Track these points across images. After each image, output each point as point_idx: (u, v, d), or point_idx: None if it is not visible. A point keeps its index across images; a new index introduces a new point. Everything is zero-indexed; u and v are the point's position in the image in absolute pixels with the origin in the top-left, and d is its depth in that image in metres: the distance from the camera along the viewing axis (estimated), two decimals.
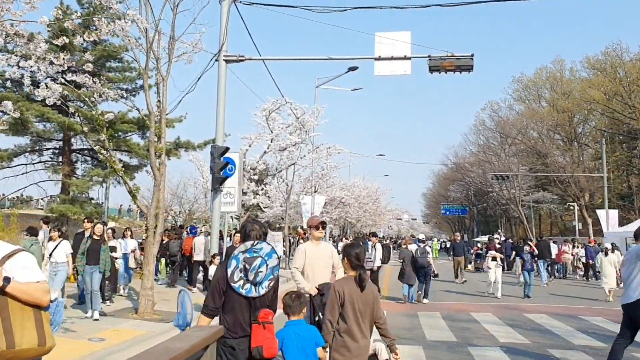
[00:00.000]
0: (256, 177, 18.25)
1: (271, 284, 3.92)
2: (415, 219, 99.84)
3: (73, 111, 13.87)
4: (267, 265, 3.88)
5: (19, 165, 18.79)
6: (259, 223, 4.19)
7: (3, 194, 24.70)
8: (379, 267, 16.21)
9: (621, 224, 31.13)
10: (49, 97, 10.05)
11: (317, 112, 21.64)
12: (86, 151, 20.31)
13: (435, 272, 16.47)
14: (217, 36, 14.09)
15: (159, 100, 12.16)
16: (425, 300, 14.77)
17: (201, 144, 21.00)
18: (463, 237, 68.25)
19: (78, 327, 8.99)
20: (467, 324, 11.13)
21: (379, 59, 14.13)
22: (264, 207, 37.29)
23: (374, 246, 16.23)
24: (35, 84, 15.20)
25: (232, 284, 3.81)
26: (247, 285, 3.83)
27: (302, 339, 4.15)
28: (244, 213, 18.98)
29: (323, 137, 22.13)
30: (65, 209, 17.18)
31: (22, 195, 20.72)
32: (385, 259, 17.16)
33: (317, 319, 5.34)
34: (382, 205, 52.17)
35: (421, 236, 20.74)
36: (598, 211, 35.51)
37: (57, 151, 19.92)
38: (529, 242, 20.34)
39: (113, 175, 17.29)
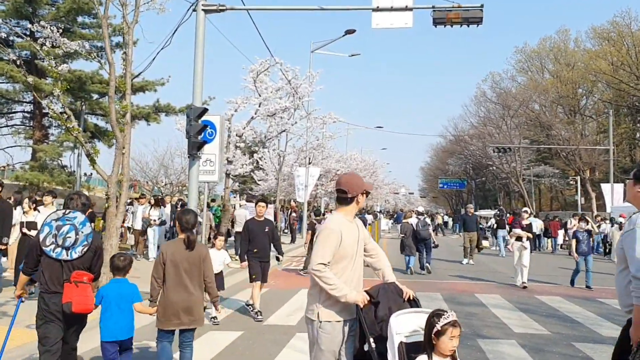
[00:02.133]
0: (243, 145, 16.76)
1: (85, 249, 4.44)
2: (413, 193, 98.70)
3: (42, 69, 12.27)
4: (78, 232, 4.40)
5: None
6: (80, 194, 4.70)
7: None
8: None
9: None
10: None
11: (311, 78, 20.05)
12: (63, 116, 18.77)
13: (436, 243, 16.55)
14: None
15: (124, 52, 10.63)
16: (427, 266, 15.21)
17: (183, 108, 19.46)
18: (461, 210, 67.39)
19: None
20: (473, 308, 9.83)
21: (377, 9, 12.59)
22: (259, 180, 36.00)
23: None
24: (2, 41, 13.54)
25: (44, 248, 4.34)
26: (58, 249, 4.36)
27: (121, 295, 4.64)
28: (231, 183, 17.55)
29: (318, 105, 20.52)
30: (33, 176, 15.74)
31: None
32: None
33: (366, 346, 3.48)
34: (379, 179, 50.79)
35: (421, 209, 20.63)
36: (602, 185, 34.29)
37: (27, 115, 18.39)
38: (586, 217, 17.25)
39: (86, 140, 15.76)
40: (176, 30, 13.27)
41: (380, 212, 59.72)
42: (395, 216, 50.08)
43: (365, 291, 3.52)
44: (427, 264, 15.24)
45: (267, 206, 9.21)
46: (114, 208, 9.79)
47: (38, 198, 9.62)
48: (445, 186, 70.21)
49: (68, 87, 16.70)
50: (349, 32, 26.17)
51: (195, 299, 4.84)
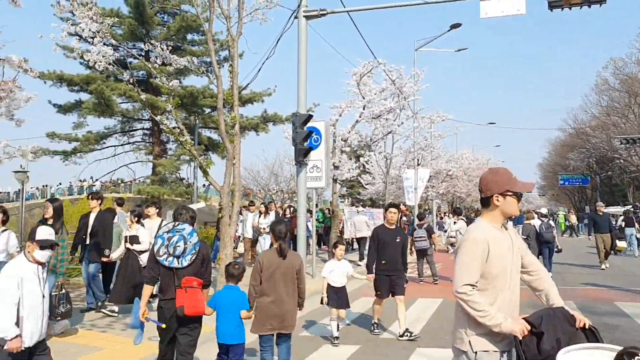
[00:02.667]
0: (348, 149, 16.56)
1: (193, 257, 4.74)
2: (530, 192, 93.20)
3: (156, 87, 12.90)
4: (187, 241, 4.73)
5: (108, 147, 18.66)
6: (187, 208, 5.04)
7: (91, 177, 25.12)
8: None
9: None
10: (98, 63, 8.80)
11: (416, 77, 19.46)
12: (176, 129, 19.86)
13: (559, 247, 15.62)
14: None
15: (230, 65, 10.81)
16: (549, 274, 13.44)
17: (289, 117, 19.66)
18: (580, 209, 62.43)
19: None
20: (614, 318, 8.76)
21: None
22: (366, 184, 35.76)
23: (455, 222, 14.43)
24: (120, 63, 14.40)
25: (158, 258, 4.70)
26: (170, 258, 4.69)
27: (232, 302, 4.98)
28: (338, 188, 17.41)
29: (424, 104, 19.83)
30: (154, 190, 16.68)
31: (111, 178, 20.70)
32: None
33: None
34: None
35: (544, 210, 19.36)
36: None
37: (147, 132, 19.62)
38: None
39: (200, 153, 16.47)
40: (279, 39, 13.36)
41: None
42: (513, 217, 47.26)
43: (524, 318, 2.86)
44: (550, 272, 14.23)
45: (399, 212, 8.31)
46: (227, 218, 9.93)
47: (147, 211, 9.59)
48: (566, 183, 65.48)
49: (180, 102, 17.60)
50: (455, 26, 25.10)
51: (288, 306, 5.13)
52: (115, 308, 8.51)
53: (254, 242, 14.72)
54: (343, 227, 17.96)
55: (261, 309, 5.06)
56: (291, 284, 5.14)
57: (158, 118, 9.76)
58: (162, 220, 9.35)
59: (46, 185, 40.90)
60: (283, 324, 5.07)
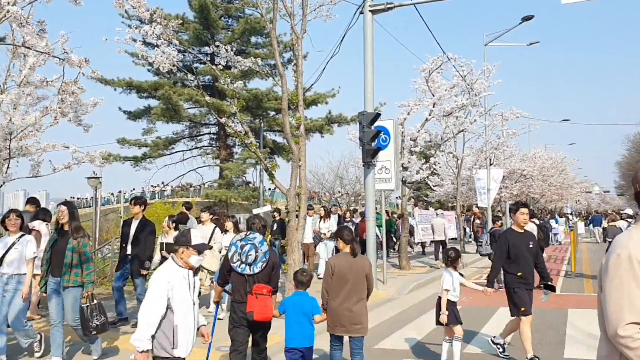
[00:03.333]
0: (417, 149, 15.85)
1: (264, 265, 5.02)
2: (608, 191, 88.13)
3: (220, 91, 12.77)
4: (258, 250, 5.04)
5: (177, 152, 18.84)
6: (259, 217, 5.41)
7: (162, 182, 25.52)
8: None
9: None
10: (163, 65, 8.63)
11: (487, 72, 18.46)
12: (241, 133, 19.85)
13: None
14: None
15: (295, 64, 10.45)
16: None
17: (354, 117, 19.18)
18: None
19: None
20: None
21: None
22: (434, 186, 34.65)
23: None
24: (187, 68, 14.38)
25: (232, 264, 5.06)
26: (243, 265, 5.03)
27: (301, 307, 5.06)
28: (408, 191, 16.72)
29: (496, 100, 18.77)
30: (221, 194, 16.65)
31: (180, 183, 20.91)
32: (541, 241, 12.43)
33: None
34: (569, 177, 45.93)
35: (629, 211, 17.78)
36: None
37: (214, 136, 19.70)
38: None
39: (265, 156, 16.28)
40: (344, 35, 12.90)
41: (571, 213, 54.12)
42: (590, 218, 44.81)
43: None
44: None
45: (529, 213, 6.94)
46: (294, 222, 9.56)
47: (201, 216, 9.17)
48: None
49: (245, 105, 17.52)
50: (526, 18, 23.79)
51: (359, 308, 5.23)
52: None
53: (315, 246, 14.03)
54: (412, 230, 17.28)
55: (333, 311, 5.20)
56: (361, 286, 5.27)
57: (223, 120, 9.51)
58: (216, 227, 8.83)
59: (120, 191, 42.36)
60: (354, 326, 5.18)
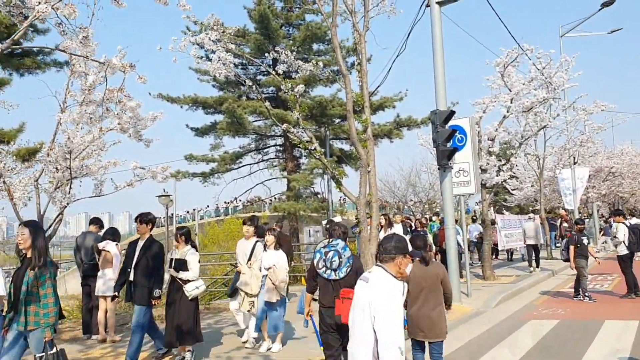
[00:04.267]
0: (496, 150, 14.70)
1: (349, 270, 5.19)
2: None
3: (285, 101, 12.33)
4: (341, 256, 5.24)
5: (244, 165, 18.59)
6: (339, 224, 5.64)
7: (235, 198, 25.26)
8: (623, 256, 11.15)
9: None
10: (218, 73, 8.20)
11: (566, 64, 16.96)
12: (308, 142, 19.39)
13: None
14: None
15: (358, 63, 9.81)
16: None
17: (425, 119, 18.22)
18: None
19: None
20: None
21: None
22: (512, 189, 32.79)
23: (617, 227, 11.32)
24: (251, 80, 14.06)
25: (318, 270, 5.30)
26: (328, 271, 5.25)
27: None
28: (487, 195, 15.54)
29: (578, 92, 17.25)
30: (289, 206, 16.15)
31: (249, 197, 20.58)
32: (633, 245, 11.23)
33: None
34: None
35: None
36: None
37: (280, 148, 19.34)
38: None
39: (332, 165, 15.62)
40: (411, 31, 12.15)
41: None
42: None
43: None
44: None
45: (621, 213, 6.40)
46: (366, 232, 8.84)
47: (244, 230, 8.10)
48: None
49: (310, 113, 17.09)
50: (606, 4, 22.03)
51: (436, 314, 5.32)
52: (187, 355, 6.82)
53: None
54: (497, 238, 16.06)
55: (412, 318, 5.35)
56: (437, 292, 5.38)
57: (284, 127, 8.97)
58: (257, 242, 7.52)
59: (195, 209, 43.06)
60: (433, 332, 5.27)
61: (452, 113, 10.83)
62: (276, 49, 10.13)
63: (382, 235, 12.24)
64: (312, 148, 8.81)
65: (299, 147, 10.95)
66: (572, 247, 10.84)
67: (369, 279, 3.39)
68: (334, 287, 5.16)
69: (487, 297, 11.08)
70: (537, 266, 16.01)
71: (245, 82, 8.65)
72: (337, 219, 15.18)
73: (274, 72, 10.14)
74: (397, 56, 12.63)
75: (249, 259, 7.40)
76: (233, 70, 8.34)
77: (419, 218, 17.45)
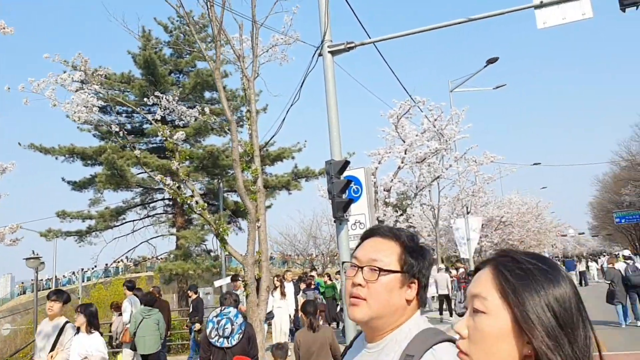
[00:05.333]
0: (392, 201, 14.53)
1: (241, 337, 5.39)
2: (583, 233, 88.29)
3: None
4: (233, 323, 5.40)
5: (128, 222, 17.05)
6: (231, 293, 5.89)
7: (126, 257, 22.69)
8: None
9: None
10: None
11: (456, 117, 17.49)
12: (201, 197, 18.21)
13: None
14: (314, 31, 11.07)
15: (247, 111, 9.18)
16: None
17: (323, 170, 17.83)
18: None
19: None
20: None
21: (542, 5, 9.96)
22: None
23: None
24: (134, 130, 12.86)
25: (210, 339, 5.40)
26: (221, 339, 5.36)
27: None
28: None
29: (469, 144, 17.80)
30: (177, 266, 14.81)
31: (128, 257, 18.78)
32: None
33: None
34: (546, 222, 45.26)
35: (626, 252, 17.70)
36: None
37: (169, 202, 18.08)
38: None
39: (225, 220, 14.63)
40: (304, 80, 11.75)
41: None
42: (564, 263, 44.10)
43: None
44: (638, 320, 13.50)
45: None
46: (254, 296, 7.95)
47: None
48: (622, 220, 61.38)
49: (199, 162, 16.13)
50: (491, 60, 23.45)
51: None
52: None
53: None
54: None
55: None
56: (327, 356, 5.51)
57: (159, 177, 8.02)
58: (67, 323, 5.62)
59: (82, 269, 39.66)
60: None
61: (347, 163, 10.40)
62: (156, 93, 9.22)
63: (271, 300, 11.16)
64: (193, 202, 7.90)
65: (170, 195, 10.01)
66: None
67: None
68: (227, 354, 5.33)
69: None
70: (451, 315, 16.14)
71: (111, 126, 7.63)
72: (227, 280, 13.93)
73: (152, 120, 9.22)
74: (292, 105, 12.15)
75: (53, 347, 5.47)
76: (98, 115, 7.32)
77: (311, 275, 16.56)
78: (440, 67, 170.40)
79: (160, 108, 9.43)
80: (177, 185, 7.95)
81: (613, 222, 64.00)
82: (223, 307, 5.54)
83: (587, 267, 39.72)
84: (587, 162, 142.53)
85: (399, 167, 14.65)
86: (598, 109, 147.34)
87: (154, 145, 17.94)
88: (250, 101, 8.90)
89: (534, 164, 40.82)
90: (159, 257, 18.05)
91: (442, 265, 18.87)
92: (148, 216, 17.91)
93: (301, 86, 11.85)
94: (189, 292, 9.23)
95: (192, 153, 15.44)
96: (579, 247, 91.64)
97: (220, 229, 8.08)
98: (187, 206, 8.52)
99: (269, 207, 19.34)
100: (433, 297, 19.44)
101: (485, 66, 23.49)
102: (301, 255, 31.49)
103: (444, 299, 16.47)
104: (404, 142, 14.76)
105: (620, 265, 14.13)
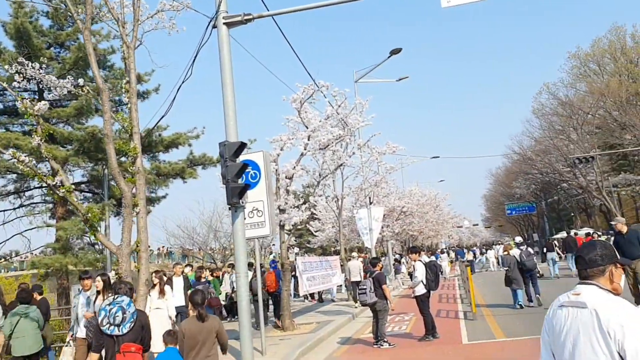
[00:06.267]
0: (294, 188, 13.90)
1: (133, 325, 5.42)
2: (477, 225, 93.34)
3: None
4: (125, 311, 5.42)
5: None
6: (125, 282, 6.07)
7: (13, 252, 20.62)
8: (421, 295, 10.47)
9: None
10: None
11: (361, 107, 17.17)
12: (84, 184, 16.49)
13: (541, 273, 16.81)
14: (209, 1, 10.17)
15: (127, 82, 8.09)
16: (538, 297, 13.85)
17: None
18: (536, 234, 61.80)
19: None
20: None
21: None
22: (315, 231, 33.01)
23: (414, 265, 11.08)
24: (7, 110, 11.33)
25: (102, 327, 5.39)
26: (112, 327, 5.37)
27: None
28: (287, 237, 14.52)
29: (368, 137, 17.48)
30: (54, 260, 13.21)
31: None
32: (431, 283, 10.62)
33: None
34: (444, 213, 46.91)
35: (518, 239, 18.54)
36: None
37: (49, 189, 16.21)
38: None
39: (111, 210, 13.25)
40: (197, 54, 10.72)
41: (445, 249, 55.69)
42: (455, 253, 46.11)
43: None
44: (538, 296, 13.98)
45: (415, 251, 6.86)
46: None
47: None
48: (513, 212, 65.54)
49: (79, 145, 14.56)
50: (395, 52, 23.48)
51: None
52: None
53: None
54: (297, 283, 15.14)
55: None
56: (213, 343, 5.60)
57: (10, 152, 6.76)
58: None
59: None
60: None
61: (243, 145, 9.56)
62: (19, 60, 7.85)
63: (148, 300, 10.01)
64: (55, 183, 6.74)
65: (25, 174, 8.73)
66: (385, 287, 10.16)
67: (586, 301, 2.49)
68: (117, 341, 5.35)
69: (284, 353, 9.79)
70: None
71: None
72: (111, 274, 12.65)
73: (14, 92, 7.87)
74: (183, 82, 11.12)
75: None
76: None
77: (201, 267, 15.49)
78: (345, 58, 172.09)
79: (24, 77, 8.08)
80: (32, 162, 6.72)
81: (504, 213, 68.10)
82: (116, 296, 5.56)
83: (475, 256, 41.73)
84: (482, 155, 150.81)
85: (302, 154, 14.01)
86: (494, 104, 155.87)
87: (32, 125, 15.98)
88: (129, 70, 7.84)
89: (433, 157, 42.08)
90: (33, 252, 16.10)
91: (354, 254, 19.04)
92: (22, 206, 15.96)
93: (193, 61, 10.80)
94: (33, 293, 8.05)
95: (71, 134, 13.85)
96: (473, 237, 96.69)
97: (90, 214, 6.97)
98: (48, 188, 7.33)
99: (163, 197, 18.05)
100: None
101: (389, 57, 23.49)
102: (201, 250, 30.16)
103: (356, 285, 16.21)
104: (307, 128, 14.14)
105: (515, 252, 14.50)
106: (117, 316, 5.33)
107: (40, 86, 8.21)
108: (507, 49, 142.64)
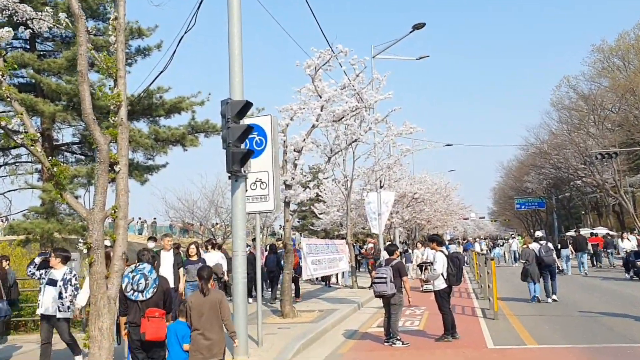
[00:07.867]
0: (302, 162, 12.65)
1: (155, 291, 5.81)
2: (483, 217, 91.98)
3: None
4: (148, 278, 5.81)
5: None
6: (148, 250, 6.43)
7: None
8: (441, 290, 9.26)
9: None
10: None
11: (377, 83, 15.78)
12: (75, 145, 15.29)
13: (561, 268, 16.98)
14: None
15: (116, 17, 6.80)
16: (554, 297, 13.47)
17: None
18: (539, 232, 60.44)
19: None
20: None
21: None
22: (320, 214, 31.78)
23: (434, 256, 9.72)
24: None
25: (126, 293, 5.78)
26: (136, 293, 5.76)
27: (181, 334, 5.81)
28: (291, 216, 13.26)
29: (391, 107, 15.97)
30: (35, 225, 12.03)
31: None
32: (452, 277, 9.30)
33: None
34: (453, 203, 45.52)
35: (538, 234, 17.64)
36: None
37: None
38: None
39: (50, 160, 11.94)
40: (200, 3, 9.46)
41: (450, 240, 54.57)
42: (465, 243, 44.91)
43: None
44: (554, 294, 13.56)
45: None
46: (101, 265, 5.76)
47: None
48: (522, 207, 64.20)
49: (68, 101, 13.26)
50: (418, 26, 22.00)
51: (214, 336, 5.72)
52: None
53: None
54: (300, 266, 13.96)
55: (193, 341, 5.71)
56: (216, 318, 5.74)
57: None
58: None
59: None
60: (211, 352, 5.67)
61: (249, 105, 8.31)
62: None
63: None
64: (12, 126, 5.53)
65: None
66: (406, 279, 8.91)
67: None
68: (141, 307, 5.70)
69: (283, 345, 8.60)
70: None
71: None
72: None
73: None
74: (186, 32, 9.93)
75: None
76: None
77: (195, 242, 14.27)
78: (363, 32, 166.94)
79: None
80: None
81: (513, 208, 66.65)
82: (138, 263, 5.87)
83: (481, 248, 40.51)
84: (496, 144, 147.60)
85: (314, 126, 12.71)
86: (511, 94, 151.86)
87: (20, 79, 14.74)
88: (118, 4, 6.53)
89: (446, 145, 40.67)
90: (11, 216, 14.88)
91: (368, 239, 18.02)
92: (7, 164, 14.73)
93: (198, 8, 9.57)
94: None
95: (59, 87, 12.55)
96: (478, 230, 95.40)
97: (56, 169, 5.76)
98: (3, 133, 6.10)
99: (162, 166, 16.77)
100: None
101: (411, 31, 22.04)
102: (202, 225, 29.06)
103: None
104: (321, 97, 12.82)
105: (534, 246, 14.13)
106: (140, 283, 5.71)
107: (32, 30, 6.89)
108: (535, 39, 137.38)
